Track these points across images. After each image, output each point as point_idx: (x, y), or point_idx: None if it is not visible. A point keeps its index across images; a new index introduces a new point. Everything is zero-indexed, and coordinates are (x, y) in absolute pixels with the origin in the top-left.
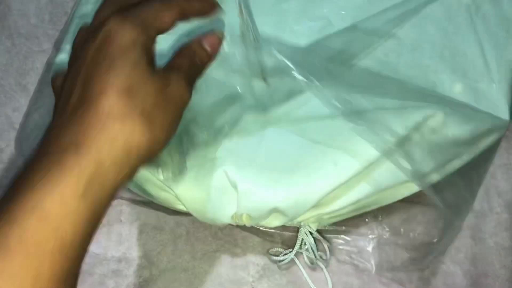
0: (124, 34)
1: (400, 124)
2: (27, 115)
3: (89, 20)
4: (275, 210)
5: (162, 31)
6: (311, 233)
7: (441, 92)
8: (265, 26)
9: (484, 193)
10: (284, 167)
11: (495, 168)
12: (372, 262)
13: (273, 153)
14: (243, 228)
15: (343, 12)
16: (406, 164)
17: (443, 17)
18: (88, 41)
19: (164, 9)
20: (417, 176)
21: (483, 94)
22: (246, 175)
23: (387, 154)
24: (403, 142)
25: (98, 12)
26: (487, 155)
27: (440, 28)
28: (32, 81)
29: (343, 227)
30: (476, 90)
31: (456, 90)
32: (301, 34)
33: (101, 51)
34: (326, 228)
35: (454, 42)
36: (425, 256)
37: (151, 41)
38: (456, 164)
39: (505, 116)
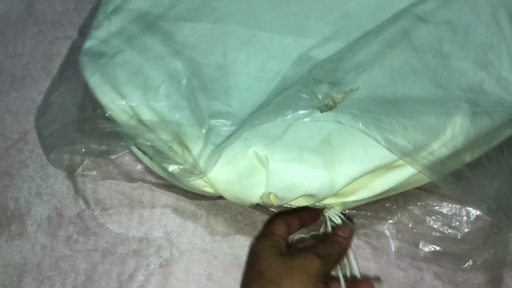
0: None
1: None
2: (47, 94)
3: (112, 7)
4: (302, 190)
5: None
6: (337, 215)
7: (464, 80)
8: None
9: None
10: (313, 147)
11: None
12: (391, 247)
13: (302, 133)
14: (263, 210)
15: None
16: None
17: (466, 7)
18: None
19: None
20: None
21: (506, 83)
22: (275, 154)
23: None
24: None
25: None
26: None
27: (463, 17)
28: (57, 66)
29: (363, 212)
30: (498, 78)
31: (473, 75)
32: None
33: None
34: (347, 211)
35: (477, 31)
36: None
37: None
38: (477, 154)
39: None
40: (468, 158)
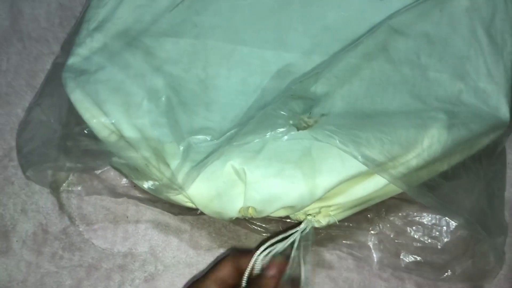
0: None
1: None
2: (28, 110)
3: (94, 24)
4: (281, 202)
5: None
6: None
7: (443, 92)
8: None
9: None
10: (291, 159)
11: None
12: (373, 257)
13: (279, 145)
14: (245, 226)
15: None
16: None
17: (443, 19)
18: None
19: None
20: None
21: (483, 94)
22: (253, 167)
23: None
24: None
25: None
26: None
27: (440, 29)
28: (41, 82)
29: (345, 223)
30: (476, 89)
31: (451, 87)
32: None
33: None
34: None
35: (454, 43)
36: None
37: None
38: (453, 162)
39: (506, 114)
40: (444, 167)
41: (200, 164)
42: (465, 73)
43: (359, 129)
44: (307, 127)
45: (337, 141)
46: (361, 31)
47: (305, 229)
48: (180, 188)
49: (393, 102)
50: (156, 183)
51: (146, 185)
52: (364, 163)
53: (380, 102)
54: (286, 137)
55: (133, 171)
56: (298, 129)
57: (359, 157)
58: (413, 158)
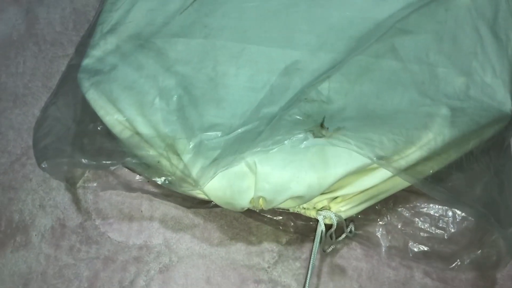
0: None
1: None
2: (45, 108)
3: (108, 27)
4: (290, 191)
5: None
6: (333, 216)
7: (451, 88)
8: None
9: None
10: (299, 151)
11: None
12: (382, 247)
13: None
14: (257, 218)
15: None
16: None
17: (448, 18)
18: None
19: None
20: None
21: (489, 88)
22: (263, 158)
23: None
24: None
25: None
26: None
27: (443, 26)
28: (57, 83)
29: (354, 214)
30: (479, 83)
31: (460, 83)
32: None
33: None
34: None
35: (461, 41)
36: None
37: None
38: (456, 155)
39: (508, 107)
40: (452, 157)
41: (217, 162)
42: (472, 69)
43: (372, 131)
44: (323, 136)
45: (353, 145)
46: (365, 30)
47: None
48: (195, 183)
49: (402, 101)
50: (170, 178)
51: (160, 181)
52: (379, 164)
53: (391, 102)
54: (303, 145)
55: (146, 169)
56: (314, 136)
57: (375, 158)
58: (416, 151)
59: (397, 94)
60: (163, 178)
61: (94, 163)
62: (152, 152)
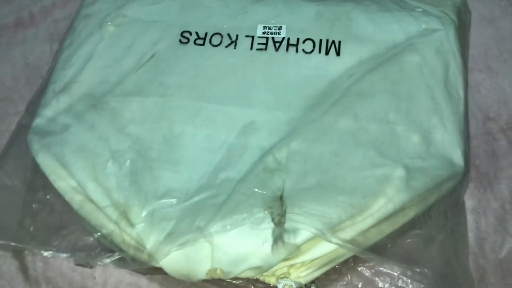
0: None
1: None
2: None
3: (60, 86)
4: (248, 263)
5: None
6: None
7: (405, 143)
8: None
9: None
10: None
11: None
12: None
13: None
14: (215, 282)
15: None
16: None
17: (402, 77)
18: None
19: None
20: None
21: (443, 145)
22: (220, 228)
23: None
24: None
25: None
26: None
27: (399, 85)
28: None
29: None
30: (437, 141)
31: (413, 140)
32: None
33: None
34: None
35: (413, 97)
36: None
37: None
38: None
39: (460, 164)
40: (405, 219)
41: (173, 238)
42: (431, 126)
43: (329, 204)
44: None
45: (312, 228)
46: (321, 88)
47: None
48: (150, 257)
49: (363, 163)
50: (124, 253)
51: (115, 256)
52: (343, 246)
53: (351, 164)
54: (262, 225)
55: (101, 237)
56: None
57: (340, 242)
58: (367, 217)
59: (357, 157)
60: (119, 253)
61: (43, 235)
62: (106, 222)
